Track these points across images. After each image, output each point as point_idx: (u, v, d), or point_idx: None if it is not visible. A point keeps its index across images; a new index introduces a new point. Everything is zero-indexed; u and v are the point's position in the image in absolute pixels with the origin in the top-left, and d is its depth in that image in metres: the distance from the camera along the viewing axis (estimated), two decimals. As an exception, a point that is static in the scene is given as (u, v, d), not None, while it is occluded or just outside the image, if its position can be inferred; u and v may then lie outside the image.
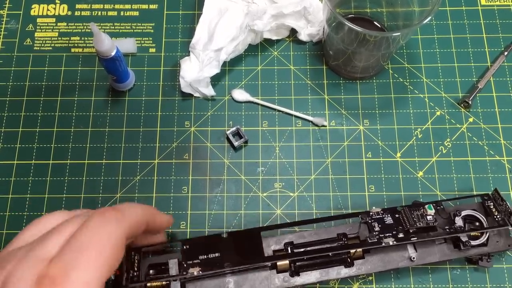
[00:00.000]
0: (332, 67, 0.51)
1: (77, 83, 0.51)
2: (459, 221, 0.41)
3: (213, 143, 0.48)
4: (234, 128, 0.48)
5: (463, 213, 0.42)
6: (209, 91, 0.49)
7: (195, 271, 0.37)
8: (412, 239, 0.39)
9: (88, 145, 0.48)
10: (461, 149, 0.48)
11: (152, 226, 0.35)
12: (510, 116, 0.49)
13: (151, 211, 0.35)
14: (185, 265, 0.38)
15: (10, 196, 0.46)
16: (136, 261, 0.38)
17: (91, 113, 0.49)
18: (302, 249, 0.41)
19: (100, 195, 0.46)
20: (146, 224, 0.33)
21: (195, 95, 0.50)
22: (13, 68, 0.51)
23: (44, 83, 0.51)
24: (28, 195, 0.46)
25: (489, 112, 0.50)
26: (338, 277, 0.40)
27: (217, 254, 0.39)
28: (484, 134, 0.49)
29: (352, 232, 0.41)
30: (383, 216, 0.41)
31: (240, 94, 0.50)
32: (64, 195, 0.46)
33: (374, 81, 0.51)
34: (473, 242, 0.41)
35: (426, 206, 0.41)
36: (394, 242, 0.39)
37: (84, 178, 0.47)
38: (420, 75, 0.51)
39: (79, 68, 0.51)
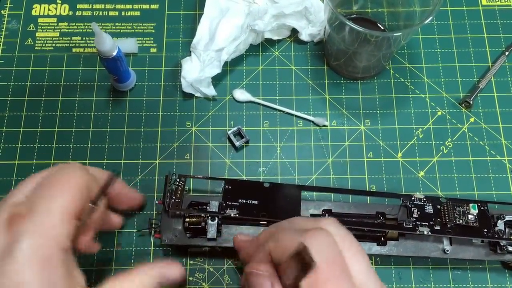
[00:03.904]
0: (333, 67, 0.51)
1: (78, 83, 0.51)
2: (501, 225, 0.41)
3: (214, 143, 0.48)
4: (235, 128, 0.48)
5: (508, 217, 0.41)
6: (210, 91, 0.49)
7: (232, 212, 0.40)
8: (447, 233, 0.40)
9: (89, 145, 0.48)
10: (462, 149, 0.48)
11: (118, 192, 0.40)
12: (511, 116, 0.49)
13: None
14: (224, 205, 0.41)
15: (11, 196, 0.46)
16: (180, 188, 0.41)
17: (92, 113, 0.49)
18: (339, 219, 0.42)
19: (102, 195, 0.46)
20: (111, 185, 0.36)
21: (196, 95, 0.50)
22: (14, 68, 0.51)
23: (45, 83, 0.51)
24: (29, 195, 0.46)
25: (490, 112, 0.50)
26: (368, 252, 0.41)
27: (255, 202, 0.41)
28: (485, 134, 0.49)
29: (391, 213, 0.42)
30: (425, 204, 0.41)
31: (241, 94, 0.50)
32: (66, 195, 0.46)
33: (375, 81, 0.51)
34: (511, 248, 0.40)
35: (470, 205, 0.41)
36: (429, 233, 0.40)
37: (85, 178, 0.47)
38: (421, 75, 0.51)
39: (80, 68, 0.51)
